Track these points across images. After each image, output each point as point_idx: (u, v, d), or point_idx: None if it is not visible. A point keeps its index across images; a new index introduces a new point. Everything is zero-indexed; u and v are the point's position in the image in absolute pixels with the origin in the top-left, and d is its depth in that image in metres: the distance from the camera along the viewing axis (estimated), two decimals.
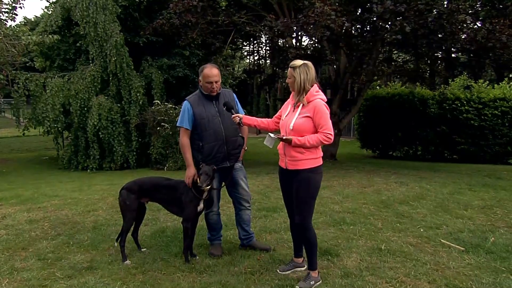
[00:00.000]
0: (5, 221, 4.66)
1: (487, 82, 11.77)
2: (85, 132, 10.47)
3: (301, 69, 2.80)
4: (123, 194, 3.36)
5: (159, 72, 11.49)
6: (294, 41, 12.04)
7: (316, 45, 10.86)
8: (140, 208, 3.50)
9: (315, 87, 2.86)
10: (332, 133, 2.79)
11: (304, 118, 2.81)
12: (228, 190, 3.59)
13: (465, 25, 8.27)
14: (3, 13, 11.07)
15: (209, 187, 3.23)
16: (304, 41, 18.25)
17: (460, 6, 7.74)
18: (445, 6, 7.86)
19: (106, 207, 5.29)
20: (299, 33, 12.43)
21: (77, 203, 5.53)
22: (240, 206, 3.56)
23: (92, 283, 2.92)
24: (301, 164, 2.83)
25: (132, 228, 3.51)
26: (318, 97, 2.83)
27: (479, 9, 8.92)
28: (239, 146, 3.46)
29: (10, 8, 11.08)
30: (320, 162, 2.89)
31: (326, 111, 2.81)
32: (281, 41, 11.89)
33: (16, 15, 11.56)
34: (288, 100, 3.06)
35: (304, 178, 2.84)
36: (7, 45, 10.02)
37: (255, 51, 33.55)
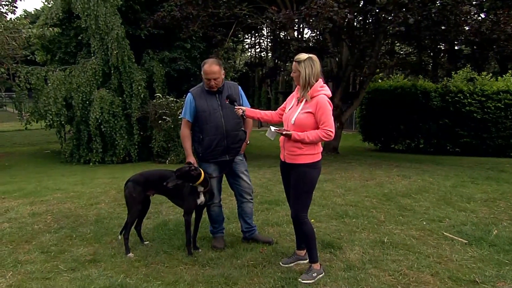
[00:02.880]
0: (8, 214, 4.68)
1: (491, 74, 11.69)
2: (87, 126, 10.47)
3: (306, 63, 2.77)
4: (129, 187, 3.36)
5: (160, 65, 11.46)
6: (296, 33, 11.95)
7: (318, 37, 10.79)
8: (145, 201, 3.51)
9: (320, 82, 2.84)
10: (333, 130, 2.78)
11: (306, 114, 2.80)
12: (230, 183, 3.59)
13: (469, 16, 8.18)
14: (3, 5, 11.03)
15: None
16: (306, 34, 18.15)
17: None
18: None
19: (109, 200, 5.30)
20: (301, 25, 12.34)
21: (79, 197, 5.54)
22: (242, 199, 3.55)
23: (95, 276, 2.93)
24: (298, 158, 2.84)
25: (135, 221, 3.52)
26: (322, 92, 2.81)
27: (484, 0, 8.81)
28: (240, 141, 3.45)
29: (10, 0, 11.02)
30: (318, 157, 2.89)
31: (329, 108, 2.79)
32: (283, 34, 11.80)
33: (16, 7, 11.51)
34: (293, 93, 3.04)
35: (300, 172, 2.85)
36: (7, 38, 9.99)
37: (257, 44, 33.38)
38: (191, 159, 3.30)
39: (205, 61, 3.36)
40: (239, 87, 3.53)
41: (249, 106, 3.47)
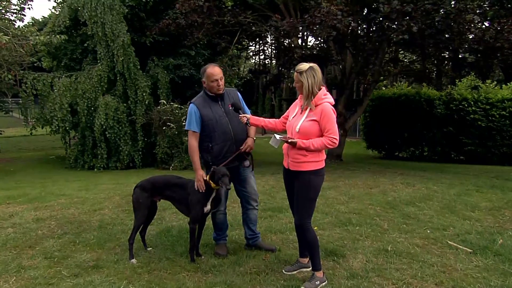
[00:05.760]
0: (12, 219, 4.70)
1: (495, 82, 11.66)
2: (92, 132, 10.54)
3: (308, 73, 2.79)
4: (136, 192, 3.39)
5: (165, 72, 11.55)
6: (299, 41, 12.01)
7: (322, 45, 10.82)
8: (151, 207, 3.52)
9: (323, 90, 2.86)
10: (337, 138, 2.80)
11: (311, 122, 2.82)
12: (237, 189, 3.58)
13: (472, 25, 8.19)
14: (12, 13, 11.21)
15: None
16: (310, 41, 18.22)
17: (468, 6, 7.66)
18: (453, 5, 7.77)
19: (112, 206, 5.32)
20: (305, 33, 12.40)
21: (83, 202, 5.56)
22: (248, 206, 3.55)
23: (98, 282, 2.94)
24: (303, 166, 2.85)
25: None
26: (325, 100, 2.83)
27: (487, 8, 8.82)
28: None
29: (19, 8, 11.21)
30: (322, 165, 2.90)
31: (333, 115, 2.81)
32: (287, 41, 11.87)
33: (24, 15, 11.72)
34: (296, 101, 3.06)
35: (305, 180, 2.85)
36: (15, 45, 10.13)
37: (261, 51, 33.54)
38: (200, 172, 3.25)
39: (205, 67, 3.36)
40: (238, 93, 3.54)
41: (249, 112, 3.49)
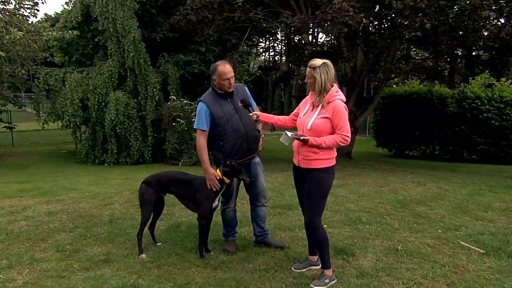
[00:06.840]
0: (25, 212, 4.78)
1: (510, 80, 11.44)
2: (103, 127, 10.64)
3: (321, 69, 2.75)
4: (142, 188, 3.41)
5: (175, 68, 11.59)
6: (310, 37, 11.90)
7: (333, 41, 10.73)
8: (159, 202, 3.54)
9: (335, 87, 2.83)
10: (349, 135, 2.77)
11: (323, 119, 2.79)
12: (246, 186, 3.56)
13: (488, 21, 8.03)
14: (26, 9, 11.34)
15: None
16: (320, 38, 18.08)
17: (483, 2, 7.51)
18: (468, 2, 7.63)
19: (122, 201, 5.36)
20: (316, 30, 12.32)
21: (94, 197, 5.62)
22: (257, 203, 3.54)
23: (109, 276, 2.96)
24: (314, 163, 2.82)
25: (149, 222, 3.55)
26: (338, 97, 2.80)
27: (504, 5, 8.64)
28: (258, 140, 3.45)
29: (32, 4, 11.33)
30: (333, 162, 2.87)
31: (345, 113, 2.78)
32: (297, 38, 11.79)
33: (38, 11, 11.84)
34: (307, 97, 3.02)
35: (316, 177, 2.83)
36: (29, 41, 10.25)
37: (271, 48, 33.40)
38: (211, 170, 3.23)
39: (215, 64, 3.29)
40: (246, 89, 3.51)
41: (255, 106, 3.46)
